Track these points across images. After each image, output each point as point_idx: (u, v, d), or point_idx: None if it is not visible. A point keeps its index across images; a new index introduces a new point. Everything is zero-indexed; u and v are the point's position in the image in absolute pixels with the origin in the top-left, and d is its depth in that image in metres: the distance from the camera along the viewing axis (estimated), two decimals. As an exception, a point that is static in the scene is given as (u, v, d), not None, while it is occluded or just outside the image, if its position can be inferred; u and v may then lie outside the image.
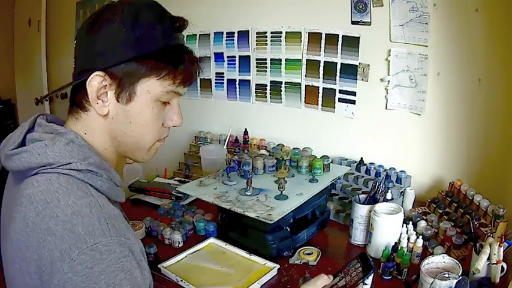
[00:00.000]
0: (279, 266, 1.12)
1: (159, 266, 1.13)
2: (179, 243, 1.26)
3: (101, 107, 0.70)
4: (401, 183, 1.43)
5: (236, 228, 1.23)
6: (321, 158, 1.31)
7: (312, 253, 1.17)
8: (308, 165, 1.29)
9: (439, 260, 1.00)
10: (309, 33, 1.67)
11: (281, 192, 1.14)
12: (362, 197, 1.25)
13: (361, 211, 1.21)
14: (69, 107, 0.75)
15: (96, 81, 0.69)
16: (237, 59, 1.89)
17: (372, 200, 1.24)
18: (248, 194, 1.16)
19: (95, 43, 0.69)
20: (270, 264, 1.12)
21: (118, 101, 0.71)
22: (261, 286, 1.06)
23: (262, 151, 1.59)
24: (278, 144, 1.72)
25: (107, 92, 0.70)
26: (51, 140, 0.68)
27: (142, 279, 0.65)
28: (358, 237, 1.24)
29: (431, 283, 0.91)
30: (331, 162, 1.39)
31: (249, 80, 1.89)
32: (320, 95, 1.70)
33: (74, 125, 0.73)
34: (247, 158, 1.33)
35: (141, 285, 0.64)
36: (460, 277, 0.92)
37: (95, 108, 0.70)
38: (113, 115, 0.72)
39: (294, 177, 1.28)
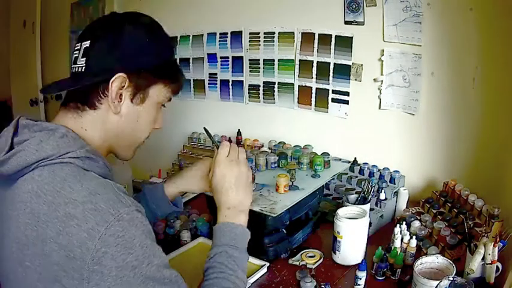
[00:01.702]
0: (268, 264, 1.11)
1: None
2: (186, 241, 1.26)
3: (116, 106, 0.77)
4: (395, 183, 1.41)
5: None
6: (321, 154, 1.32)
7: (315, 256, 1.16)
8: (309, 161, 1.30)
9: (432, 260, 0.99)
10: (301, 33, 1.66)
11: (292, 182, 1.16)
12: (352, 197, 1.24)
13: (351, 211, 1.19)
14: (66, 104, 0.78)
15: (118, 82, 0.75)
16: (230, 59, 1.88)
17: (363, 200, 1.22)
18: (252, 189, 1.17)
19: (119, 46, 0.75)
20: (259, 262, 1.12)
21: (132, 102, 0.79)
22: (251, 284, 1.06)
23: (264, 148, 1.60)
24: (279, 142, 1.71)
25: (122, 93, 0.77)
26: (44, 135, 0.71)
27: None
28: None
29: (437, 286, 0.87)
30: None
31: (242, 81, 1.88)
32: (313, 95, 1.69)
33: (73, 120, 0.77)
34: (250, 154, 1.35)
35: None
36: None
37: (111, 107, 0.76)
38: (124, 114, 0.79)
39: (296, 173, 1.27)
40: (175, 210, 1.09)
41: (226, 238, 0.86)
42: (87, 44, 0.75)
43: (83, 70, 0.75)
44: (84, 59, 0.75)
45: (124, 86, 0.76)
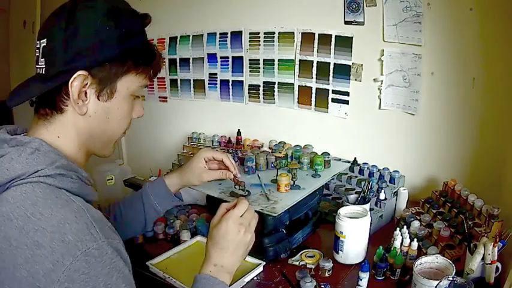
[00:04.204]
0: (264, 263, 1.11)
1: (147, 263, 1.13)
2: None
3: (81, 107, 0.71)
4: (394, 183, 1.41)
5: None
6: (321, 154, 1.32)
7: (314, 256, 1.16)
8: (309, 161, 1.30)
9: (432, 260, 0.99)
10: (301, 33, 1.66)
11: (294, 182, 1.15)
12: (352, 197, 1.24)
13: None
14: (37, 111, 0.74)
15: (78, 81, 0.69)
16: (230, 59, 1.88)
17: (363, 200, 1.22)
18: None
19: (74, 41, 0.68)
20: (254, 260, 1.12)
21: (98, 99, 0.72)
22: (248, 282, 1.06)
23: (264, 148, 1.59)
24: (279, 142, 1.71)
25: (86, 91, 0.71)
26: (16, 152, 0.67)
27: (130, 275, 0.67)
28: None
29: (436, 286, 0.87)
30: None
31: (242, 81, 1.88)
32: (313, 95, 1.69)
33: (45, 129, 0.73)
34: (251, 154, 1.36)
35: (132, 281, 0.67)
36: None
37: (75, 108, 0.71)
38: (92, 113, 0.73)
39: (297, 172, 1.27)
40: (178, 203, 1.10)
41: None
42: (44, 42, 0.70)
43: (43, 72, 0.71)
44: (44, 59, 0.70)
45: (87, 84, 0.69)
